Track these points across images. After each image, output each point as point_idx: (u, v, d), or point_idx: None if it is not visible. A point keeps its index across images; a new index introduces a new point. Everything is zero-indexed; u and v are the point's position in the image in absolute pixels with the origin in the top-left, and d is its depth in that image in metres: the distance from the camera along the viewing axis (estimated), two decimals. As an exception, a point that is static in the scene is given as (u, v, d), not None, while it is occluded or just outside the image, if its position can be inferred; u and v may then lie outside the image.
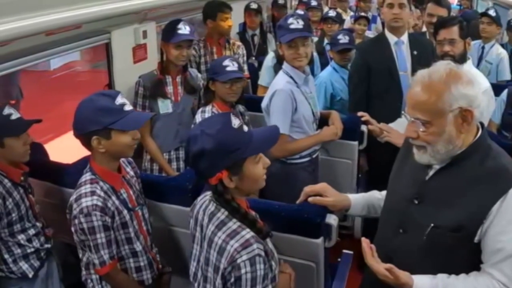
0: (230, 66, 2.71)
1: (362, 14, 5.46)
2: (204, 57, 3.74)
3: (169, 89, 2.97)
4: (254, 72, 4.17)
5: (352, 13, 6.61)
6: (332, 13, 4.80)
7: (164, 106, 2.93)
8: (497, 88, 3.31)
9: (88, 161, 1.95)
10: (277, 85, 2.65)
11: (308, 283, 2.06)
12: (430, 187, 1.63)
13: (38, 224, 2.34)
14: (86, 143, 1.87)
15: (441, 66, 1.56)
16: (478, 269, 1.56)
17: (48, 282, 2.40)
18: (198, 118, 2.74)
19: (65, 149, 2.98)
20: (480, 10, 6.16)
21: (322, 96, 3.52)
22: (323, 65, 4.08)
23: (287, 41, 2.58)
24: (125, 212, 1.93)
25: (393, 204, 1.77)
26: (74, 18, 2.30)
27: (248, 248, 1.49)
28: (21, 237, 2.27)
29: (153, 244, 2.13)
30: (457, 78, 1.52)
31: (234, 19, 4.08)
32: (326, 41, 4.56)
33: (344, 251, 2.39)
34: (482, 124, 1.63)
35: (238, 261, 1.47)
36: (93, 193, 1.84)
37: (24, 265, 2.29)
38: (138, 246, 1.99)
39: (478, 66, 4.21)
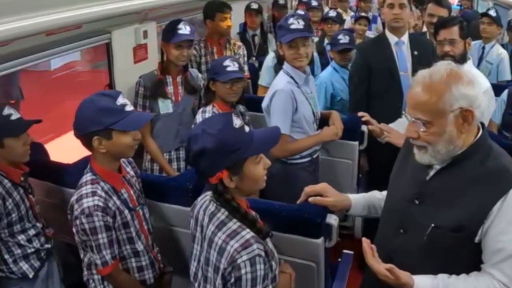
0: (231, 66, 2.71)
1: (363, 14, 5.46)
2: (205, 57, 3.74)
3: (170, 89, 2.97)
4: (255, 72, 4.17)
5: (352, 13, 6.61)
6: (332, 13, 4.80)
7: (165, 106, 2.93)
8: (497, 88, 3.32)
9: (89, 161, 1.95)
10: (277, 85, 2.65)
11: (308, 283, 2.06)
12: (430, 187, 1.63)
13: (38, 224, 2.34)
14: (87, 144, 1.87)
15: (442, 66, 1.56)
16: (478, 269, 1.56)
17: (49, 282, 2.40)
18: (199, 118, 2.74)
19: (65, 149, 2.98)
20: (481, 10, 6.16)
21: (322, 96, 3.52)
22: (324, 65, 4.08)
23: (288, 41, 2.58)
24: (126, 212, 1.93)
25: (393, 204, 1.77)
26: (75, 18, 2.30)
27: (248, 249, 1.49)
28: (21, 238, 2.27)
29: (154, 243, 2.13)
30: (458, 78, 1.52)
31: (235, 19, 4.08)
32: (326, 41, 4.56)
33: (345, 251, 2.39)
34: (482, 124, 1.63)
35: (238, 261, 1.47)
36: (94, 193, 1.84)
37: (24, 265, 2.28)
38: (139, 246, 1.99)
39: (478, 66, 4.21)
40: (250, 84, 4.21)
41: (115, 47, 2.99)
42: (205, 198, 1.69)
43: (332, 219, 1.97)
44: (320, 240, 1.97)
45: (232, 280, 1.49)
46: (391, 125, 2.60)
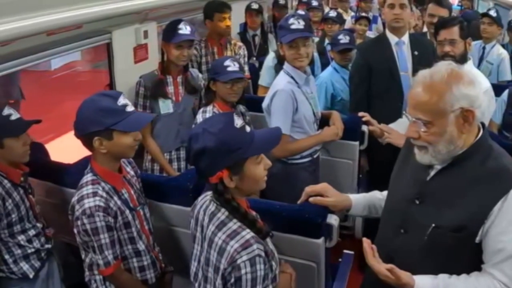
0: (231, 66, 2.71)
1: (363, 14, 5.46)
2: (205, 57, 3.74)
3: (170, 89, 2.97)
4: (255, 73, 4.17)
5: (353, 14, 6.61)
6: (332, 14, 4.80)
7: (165, 106, 2.93)
8: (498, 89, 3.32)
9: (89, 161, 1.95)
10: (278, 85, 2.65)
11: (309, 283, 2.06)
12: (431, 187, 1.63)
13: (38, 224, 2.34)
14: (88, 144, 1.87)
15: (443, 67, 1.56)
16: (479, 269, 1.56)
17: (49, 282, 2.40)
18: (199, 118, 2.74)
19: (65, 149, 2.98)
20: (481, 10, 6.16)
21: (322, 96, 3.52)
22: (324, 65, 4.08)
23: (288, 41, 2.58)
24: (127, 212, 1.93)
25: (394, 204, 1.77)
26: (75, 18, 2.30)
27: (248, 249, 1.49)
28: (21, 238, 2.27)
29: (155, 243, 2.13)
30: (459, 78, 1.52)
31: (235, 19, 4.08)
32: (327, 41, 4.56)
33: (345, 251, 2.39)
34: (483, 124, 1.63)
35: (238, 261, 1.47)
36: (95, 194, 1.83)
37: (24, 266, 2.29)
38: (141, 246, 2.00)
39: (479, 66, 4.21)
40: (251, 84, 4.22)
41: (116, 47, 2.98)
42: (206, 198, 1.69)
43: (333, 219, 1.97)
44: (321, 240, 1.97)
45: (232, 280, 1.49)
46: (392, 125, 2.60)
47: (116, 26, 2.94)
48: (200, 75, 3.23)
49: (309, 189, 1.97)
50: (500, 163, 1.55)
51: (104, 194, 1.85)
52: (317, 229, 1.96)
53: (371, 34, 5.21)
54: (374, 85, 3.11)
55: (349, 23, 5.81)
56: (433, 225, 1.58)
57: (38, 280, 2.34)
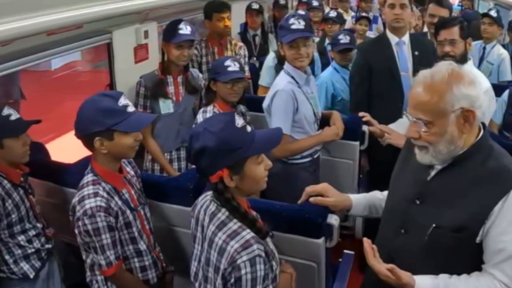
0: (232, 66, 2.71)
1: (364, 14, 5.46)
2: (206, 57, 3.74)
3: (170, 89, 2.97)
4: (255, 73, 4.17)
5: (353, 14, 6.62)
6: (332, 14, 4.80)
7: (166, 106, 2.93)
8: (498, 89, 3.32)
9: (89, 161, 1.95)
10: (278, 85, 2.65)
11: (309, 283, 2.06)
12: (431, 187, 1.63)
13: (38, 225, 2.34)
14: (88, 144, 1.86)
15: (443, 67, 1.56)
16: (479, 269, 1.56)
17: (49, 282, 2.40)
18: (200, 118, 2.74)
19: (66, 149, 2.98)
20: (481, 10, 6.16)
21: (323, 96, 3.52)
22: (325, 65, 4.09)
23: (289, 41, 2.58)
24: (128, 212, 1.93)
25: (394, 204, 1.77)
26: (75, 18, 2.30)
27: (248, 249, 1.49)
28: (21, 238, 2.27)
29: (156, 243, 2.13)
30: (459, 78, 1.52)
31: (236, 19, 4.07)
32: (327, 41, 4.56)
33: (345, 251, 2.39)
34: (483, 124, 1.63)
35: (238, 261, 1.47)
36: (96, 194, 1.83)
37: (25, 266, 2.28)
38: (142, 245, 1.99)
39: (479, 66, 4.21)
40: (251, 84, 4.22)
41: (116, 47, 2.99)
42: (206, 198, 1.69)
43: (333, 219, 1.97)
44: (321, 240, 1.97)
45: (232, 280, 1.49)
46: (392, 125, 2.60)
47: (117, 26, 2.94)
48: (201, 75, 3.23)
49: (309, 189, 1.97)
50: (501, 163, 1.55)
51: (105, 195, 1.85)
52: (317, 229, 1.96)
53: (371, 34, 5.21)
54: (374, 85, 3.11)
55: (349, 23, 5.81)
56: (434, 225, 1.58)
57: (39, 280, 2.33)
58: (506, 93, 3.41)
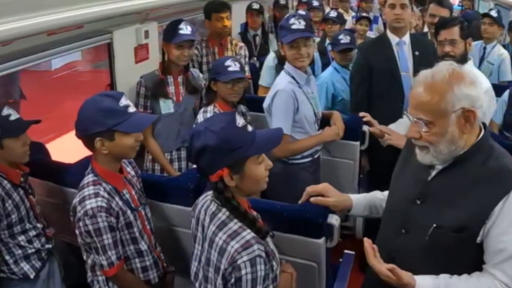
0: (232, 66, 2.71)
1: (364, 14, 5.47)
2: (206, 57, 3.74)
3: (171, 89, 2.97)
4: (256, 73, 4.17)
5: (353, 14, 6.62)
6: (333, 14, 4.80)
7: (166, 106, 2.93)
8: (498, 89, 3.32)
9: (90, 161, 1.95)
10: (279, 85, 2.65)
11: (309, 283, 2.06)
12: (432, 188, 1.63)
13: (38, 225, 2.34)
14: (89, 144, 1.86)
15: (444, 67, 1.56)
16: (480, 269, 1.56)
17: (50, 282, 2.40)
18: (200, 118, 2.74)
19: (66, 149, 2.98)
20: (482, 11, 6.16)
21: (323, 97, 3.52)
22: (325, 65, 4.08)
23: (289, 42, 2.57)
24: (128, 212, 1.93)
25: (395, 204, 1.77)
26: (76, 18, 2.30)
27: (249, 249, 1.49)
28: (22, 238, 2.27)
29: (157, 243, 2.13)
30: (460, 78, 1.52)
31: (236, 19, 4.07)
32: (328, 41, 4.56)
33: (346, 251, 2.39)
34: (484, 124, 1.63)
35: (239, 262, 1.47)
36: (96, 194, 1.83)
37: (25, 266, 2.28)
38: (143, 246, 1.99)
39: (479, 66, 4.21)
40: (251, 84, 4.21)
41: (116, 47, 2.99)
42: (206, 198, 1.69)
43: (334, 219, 1.97)
44: (322, 240, 1.97)
45: (233, 280, 1.49)
46: (392, 125, 2.60)
47: (117, 26, 2.94)
48: (201, 75, 3.23)
49: (310, 189, 1.97)
50: (501, 163, 1.55)
51: (106, 195, 1.85)
52: (318, 229, 1.96)
53: (371, 34, 5.21)
54: (375, 85, 3.10)
55: (349, 23, 5.81)
56: (434, 225, 1.58)
57: (39, 280, 2.33)
58: (506, 93, 3.41)
